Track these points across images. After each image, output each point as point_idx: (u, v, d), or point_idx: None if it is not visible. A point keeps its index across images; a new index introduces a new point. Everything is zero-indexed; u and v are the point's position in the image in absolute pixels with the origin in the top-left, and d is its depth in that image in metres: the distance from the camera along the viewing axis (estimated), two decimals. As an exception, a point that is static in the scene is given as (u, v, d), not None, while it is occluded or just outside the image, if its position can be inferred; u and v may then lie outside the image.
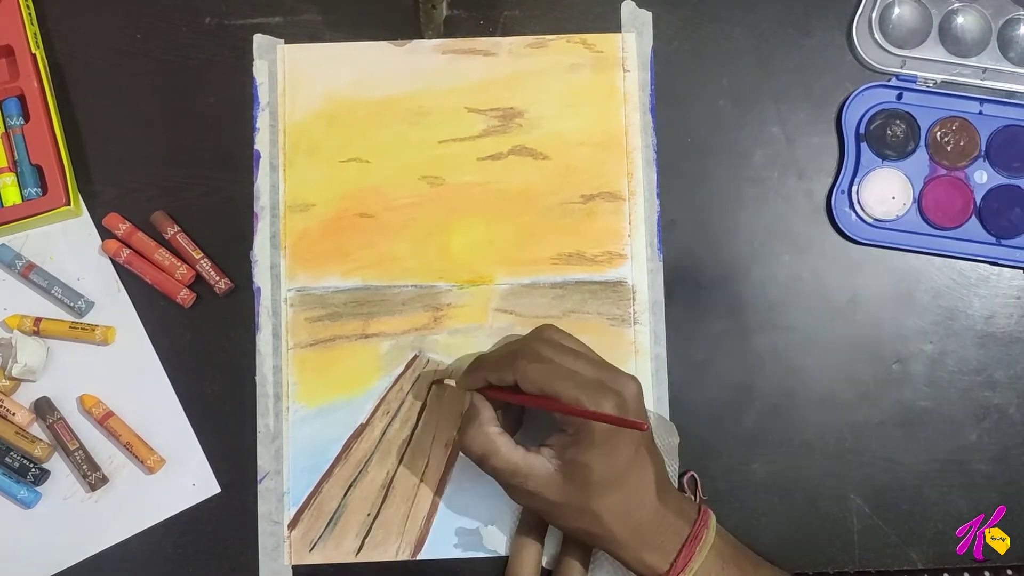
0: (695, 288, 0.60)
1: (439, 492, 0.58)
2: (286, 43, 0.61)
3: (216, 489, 0.58)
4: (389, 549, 0.57)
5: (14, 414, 0.58)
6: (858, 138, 0.61)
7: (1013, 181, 0.60)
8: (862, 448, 0.59)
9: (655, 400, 0.58)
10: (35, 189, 0.59)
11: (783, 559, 0.57)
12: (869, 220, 0.60)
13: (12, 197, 0.59)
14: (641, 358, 0.58)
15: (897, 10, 0.61)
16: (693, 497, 0.57)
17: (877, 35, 0.61)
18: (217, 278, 0.59)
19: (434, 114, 0.61)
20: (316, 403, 0.58)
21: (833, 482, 0.58)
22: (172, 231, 0.59)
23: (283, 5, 0.62)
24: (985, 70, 0.61)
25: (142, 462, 0.57)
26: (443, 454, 0.58)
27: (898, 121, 0.61)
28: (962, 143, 0.61)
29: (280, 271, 0.59)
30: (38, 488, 0.57)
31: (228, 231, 0.60)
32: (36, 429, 0.58)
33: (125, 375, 0.59)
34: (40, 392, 0.58)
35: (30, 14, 0.61)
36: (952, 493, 0.58)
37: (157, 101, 0.61)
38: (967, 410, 0.59)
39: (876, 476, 0.58)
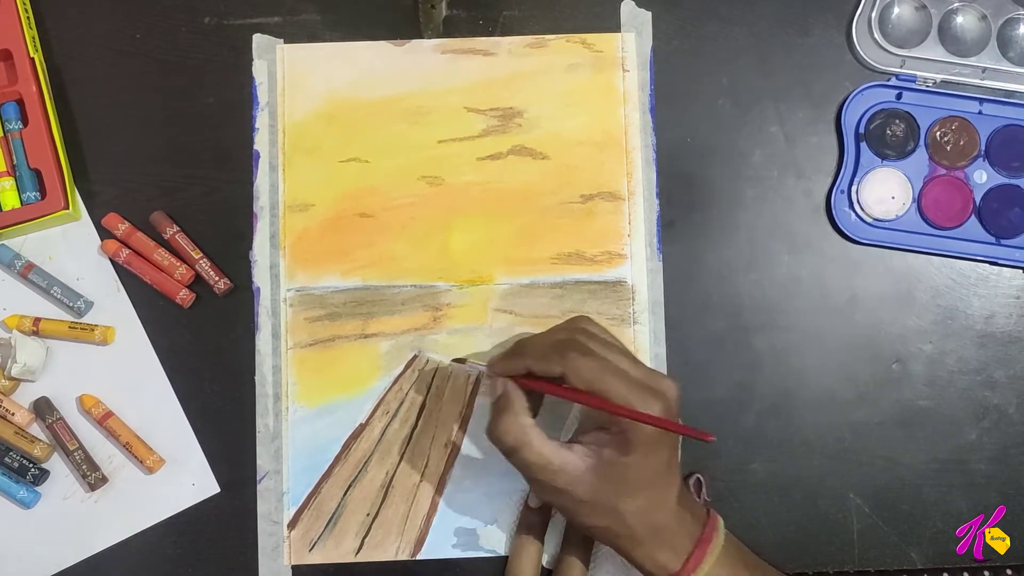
0: (694, 288, 0.60)
1: (439, 492, 0.58)
2: (285, 43, 0.61)
3: (216, 489, 0.58)
4: (389, 549, 0.57)
5: (13, 414, 0.58)
6: (858, 138, 0.61)
7: (1013, 181, 0.60)
8: (862, 448, 0.59)
9: (655, 400, 0.58)
10: (34, 193, 0.59)
11: (783, 559, 0.58)
12: (868, 220, 0.60)
13: (11, 201, 0.59)
14: (641, 358, 0.58)
15: (896, 10, 0.61)
16: (698, 499, 0.57)
17: (877, 35, 0.61)
18: (216, 278, 0.59)
19: (433, 114, 0.61)
20: (316, 403, 0.58)
21: (833, 482, 0.58)
22: (171, 231, 0.59)
23: (282, 5, 0.62)
24: (984, 70, 0.61)
25: (141, 462, 0.57)
26: (443, 454, 0.58)
27: (898, 121, 0.61)
28: (962, 143, 0.61)
29: (279, 271, 0.59)
30: (37, 488, 0.57)
31: (227, 231, 0.60)
32: (35, 429, 0.58)
33: (124, 375, 0.59)
34: (39, 392, 0.58)
35: (28, 17, 0.61)
36: (951, 493, 0.58)
37: (156, 101, 0.61)
38: (967, 410, 0.59)
39: (876, 476, 0.58)
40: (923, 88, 0.61)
